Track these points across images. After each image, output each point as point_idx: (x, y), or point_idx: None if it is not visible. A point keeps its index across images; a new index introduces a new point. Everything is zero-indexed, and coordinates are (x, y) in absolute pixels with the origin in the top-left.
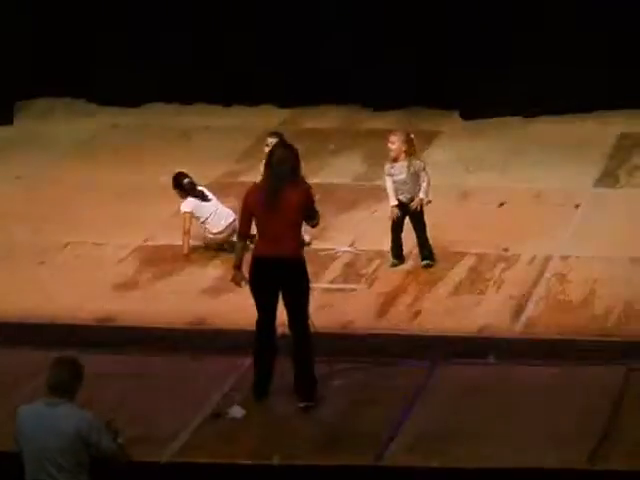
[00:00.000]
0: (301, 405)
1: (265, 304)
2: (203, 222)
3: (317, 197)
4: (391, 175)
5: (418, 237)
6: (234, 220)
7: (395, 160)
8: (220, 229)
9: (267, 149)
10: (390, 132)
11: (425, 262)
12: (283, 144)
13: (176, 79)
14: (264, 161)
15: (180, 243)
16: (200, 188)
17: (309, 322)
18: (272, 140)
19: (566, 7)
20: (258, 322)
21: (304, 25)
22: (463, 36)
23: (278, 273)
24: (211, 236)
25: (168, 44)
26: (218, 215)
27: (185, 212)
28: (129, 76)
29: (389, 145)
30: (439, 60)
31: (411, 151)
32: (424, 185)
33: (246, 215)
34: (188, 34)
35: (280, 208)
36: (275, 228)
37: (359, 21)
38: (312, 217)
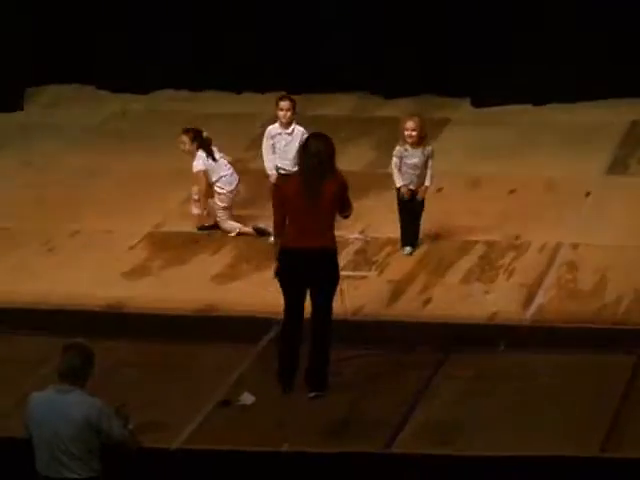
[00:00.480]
0: (311, 395)
1: (295, 295)
2: (215, 181)
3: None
4: (401, 158)
5: (415, 225)
6: (239, 182)
7: (413, 145)
8: (232, 188)
9: (281, 113)
10: (406, 118)
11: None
12: (317, 135)
13: (185, 66)
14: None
15: (189, 230)
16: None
17: (344, 305)
18: (284, 104)
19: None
20: (286, 312)
21: (315, 12)
22: (474, 23)
23: (310, 264)
24: (224, 192)
25: (178, 32)
26: (230, 175)
27: (199, 170)
28: (138, 62)
29: (408, 132)
30: (450, 47)
31: (426, 137)
32: (430, 172)
33: (280, 209)
34: (198, 22)
35: (317, 200)
36: (311, 220)
37: (370, 9)
38: (346, 209)
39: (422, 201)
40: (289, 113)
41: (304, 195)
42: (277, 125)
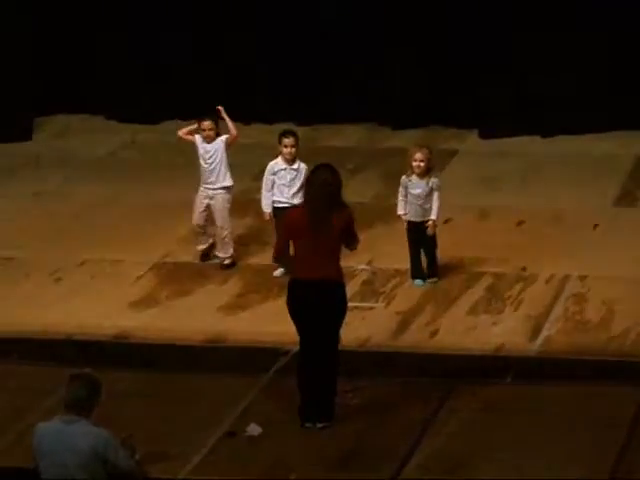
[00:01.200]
0: (319, 425)
1: (304, 326)
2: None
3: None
4: (406, 188)
5: (427, 255)
6: None
7: (419, 176)
8: None
9: (285, 150)
10: (415, 148)
11: (432, 279)
12: (325, 166)
13: (194, 97)
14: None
15: (197, 261)
16: None
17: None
18: (288, 141)
19: (591, 28)
20: (300, 344)
21: (325, 44)
22: (484, 55)
23: (316, 295)
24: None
25: (186, 62)
26: None
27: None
28: (147, 93)
29: (416, 163)
30: (458, 78)
31: (432, 168)
32: (436, 206)
33: (286, 238)
34: (205, 52)
35: (322, 232)
36: (316, 252)
37: (380, 39)
38: (352, 242)
39: (433, 235)
40: (294, 149)
41: (310, 226)
42: (280, 160)
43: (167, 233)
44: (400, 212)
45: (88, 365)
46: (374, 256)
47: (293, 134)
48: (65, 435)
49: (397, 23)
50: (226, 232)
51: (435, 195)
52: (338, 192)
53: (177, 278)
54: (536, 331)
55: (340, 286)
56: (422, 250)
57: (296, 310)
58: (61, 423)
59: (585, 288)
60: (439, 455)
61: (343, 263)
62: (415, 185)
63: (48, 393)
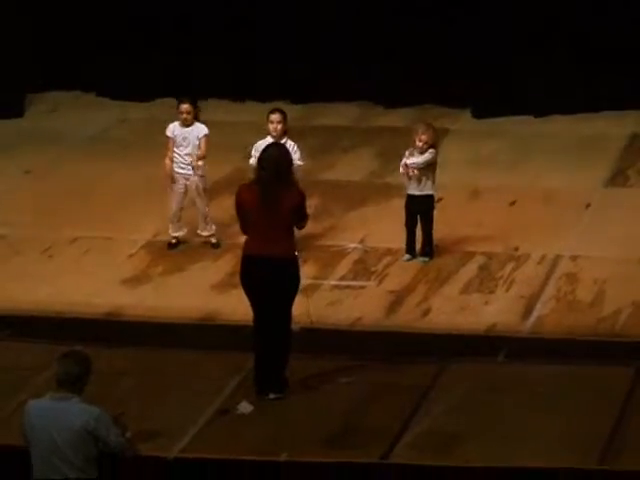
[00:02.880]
0: (272, 397)
1: (258, 302)
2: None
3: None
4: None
5: (423, 232)
6: None
7: (420, 151)
8: None
9: (271, 126)
10: (421, 127)
11: (423, 259)
12: (275, 144)
13: (188, 74)
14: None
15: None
16: None
17: (308, 313)
18: (275, 117)
19: (578, 7)
20: (254, 321)
21: (316, 22)
22: (474, 34)
23: (269, 272)
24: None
25: (180, 39)
26: None
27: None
28: (139, 70)
29: (420, 143)
30: (451, 57)
31: (435, 143)
32: (422, 159)
33: (242, 213)
34: (200, 30)
35: (274, 209)
36: (268, 228)
37: (371, 18)
38: (301, 219)
39: (429, 210)
40: (280, 126)
41: (261, 203)
42: (268, 139)
43: (159, 211)
44: (402, 169)
45: (79, 343)
46: (366, 235)
47: (280, 111)
48: (56, 412)
49: (392, 2)
50: (207, 210)
51: (426, 154)
52: (288, 170)
53: (169, 256)
54: (528, 311)
55: (291, 263)
56: (421, 228)
57: (248, 286)
58: (52, 400)
59: (577, 268)
60: (430, 434)
61: (335, 241)
62: (413, 156)
63: (39, 370)
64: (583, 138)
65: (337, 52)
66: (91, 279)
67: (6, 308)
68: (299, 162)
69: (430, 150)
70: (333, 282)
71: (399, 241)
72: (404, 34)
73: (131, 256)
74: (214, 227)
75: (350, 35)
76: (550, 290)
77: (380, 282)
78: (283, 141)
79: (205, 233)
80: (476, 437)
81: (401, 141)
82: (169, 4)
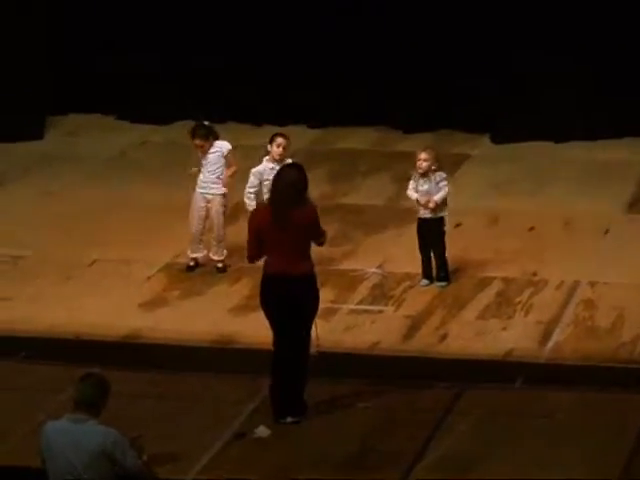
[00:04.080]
0: (289, 420)
1: (278, 322)
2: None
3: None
4: (415, 183)
5: (436, 257)
6: None
7: (422, 175)
8: None
9: (277, 150)
10: (420, 150)
11: (440, 284)
12: (291, 164)
13: (207, 98)
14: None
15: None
16: None
17: (315, 335)
18: (281, 140)
19: (600, 33)
20: (274, 340)
21: (336, 46)
22: (495, 59)
23: (289, 291)
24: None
25: (199, 64)
26: None
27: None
28: (158, 94)
29: (419, 162)
30: (470, 83)
31: (437, 167)
32: (442, 192)
33: (254, 237)
34: (220, 56)
35: (288, 228)
36: (284, 248)
37: (391, 43)
38: (318, 236)
39: (440, 235)
40: (284, 151)
41: (275, 224)
42: (269, 161)
43: (177, 234)
44: (413, 197)
45: (97, 365)
46: (384, 259)
47: (284, 135)
48: (73, 434)
49: (410, 26)
50: (222, 232)
51: (442, 184)
52: (304, 191)
53: (187, 279)
54: (546, 336)
55: (311, 281)
56: (433, 253)
57: (268, 307)
58: (70, 422)
59: (595, 294)
60: (446, 459)
61: (353, 266)
62: (422, 182)
63: (56, 392)
64: (602, 164)
65: (356, 76)
66: (109, 301)
67: (24, 330)
68: None
69: (442, 183)
70: (351, 306)
71: (417, 266)
72: (424, 59)
73: (149, 279)
74: (225, 252)
75: (369, 59)
76: (568, 316)
77: (398, 307)
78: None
79: (216, 257)
80: (493, 463)
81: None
82: (189, 29)
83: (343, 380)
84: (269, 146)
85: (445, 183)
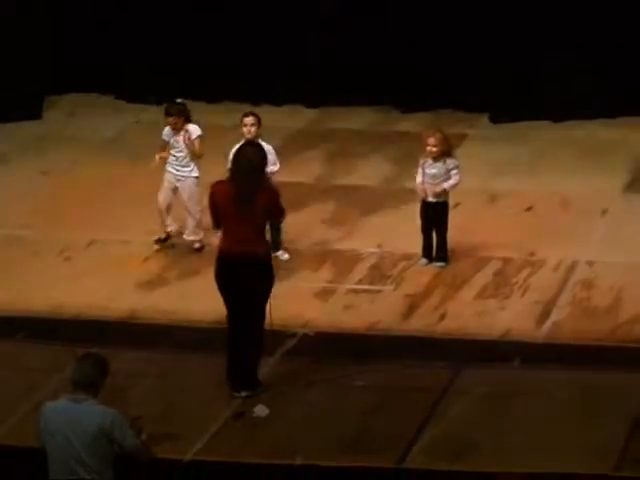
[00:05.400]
0: (242, 394)
1: (232, 301)
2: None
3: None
4: (423, 169)
5: (437, 238)
6: None
7: (434, 159)
8: None
9: (245, 129)
10: (427, 132)
11: (439, 264)
12: (250, 144)
13: (203, 78)
14: (231, 156)
15: (205, 241)
16: None
17: (269, 315)
18: (248, 119)
19: (598, 13)
20: (228, 318)
21: (333, 26)
22: (493, 39)
23: (244, 272)
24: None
25: (196, 43)
26: None
27: (200, 135)
28: (156, 73)
29: (429, 148)
30: (469, 62)
31: (448, 150)
32: (452, 180)
33: (215, 210)
34: (215, 33)
35: (247, 209)
36: (242, 229)
37: (388, 22)
38: (278, 216)
39: (444, 215)
40: (253, 129)
41: (235, 202)
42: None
43: (176, 214)
44: (418, 181)
45: (96, 345)
46: (383, 239)
47: (253, 113)
48: (72, 414)
49: (410, 6)
50: (197, 216)
51: (453, 172)
52: (263, 169)
53: (185, 259)
54: (543, 316)
55: (265, 261)
56: (435, 233)
57: (223, 284)
58: (68, 402)
59: (593, 274)
60: (444, 439)
61: (352, 245)
62: (431, 166)
63: (55, 372)
64: (601, 144)
65: (354, 56)
66: (107, 281)
67: (22, 310)
68: (274, 167)
69: (454, 171)
70: (349, 286)
71: (415, 246)
72: (421, 38)
73: (147, 259)
74: (202, 233)
75: (367, 38)
76: (566, 296)
77: (396, 287)
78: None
79: (192, 237)
80: (491, 442)
81: (418, 146)
82: (186, 8)
83: (341, 360)
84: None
85: (457, 171)
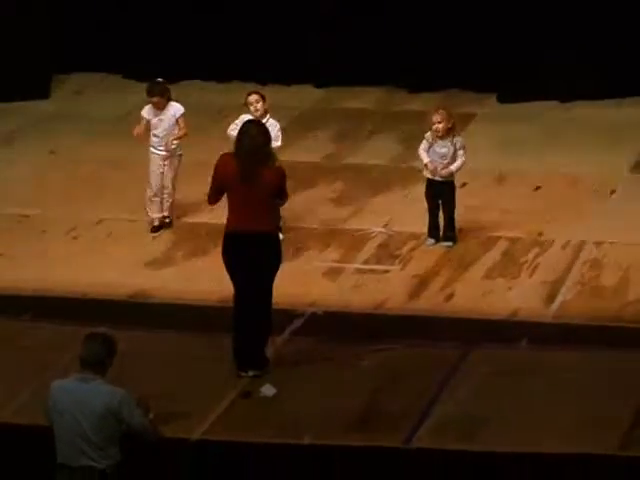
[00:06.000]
0: (250, 374)
1: (239, 279)
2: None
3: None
4: (431, 144)
5: (445, 217)
6: None
7: (440, 138)
8: None
9: (251, 108)
10: (433, 111)
11: (446, 243)
12: (254, 121)
13: (212, 57)
14: (236, 135)
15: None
16: None
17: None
18: (252, 97)
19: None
20: (235, 298)
21: (340, 4)
22: (502, 18)
23: (251, 249)
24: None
25: (204, 23)
26: None
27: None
28: (165, 52)
29: (434, 126)
30: (477, 42)
31: (454, 128)
32: (459, 162)
33: (218, 185)
34: (227, 14)
35: (254, 186)
36: (249, 205)
37: (398, 3)
38: (281, 197)
39: (451, 195)
40: (259, 105)
41: (240, 179)
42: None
43: (183, 193)
44: (425, 160)
45: (103, 324)
46: (390, 219)
47: (257, 92)
48: (80, 393)
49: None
50: (172, 193)
51: (460, 152)
52: (267, 147)
53: (193, 238)
54: (551, 296)
55: (272, 239)
56: (441, 210)
57: (230, 262)
58: (76, 381)
59: (601, 254)
60: (452, 419)
61: (358, 225)
62: (440, 145)
63: (63, 351)
64: (609, 124)
65: (361, 35)
66: (115, 261)
67: (30, 289)
68: (277, 143)
69: (461, 152)
70: (357, 266)
71: (423, 225)
72: (429, 18)
73: (155, 238)
74: (172, 209)
75: (375, 18)
76: (574, 276)
77: (404, 266)
78: (264, 120)
79: (167, 213)
80: (498, 422)
81: (425, 126)
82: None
83: (348, 339)
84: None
85: (463, 152)
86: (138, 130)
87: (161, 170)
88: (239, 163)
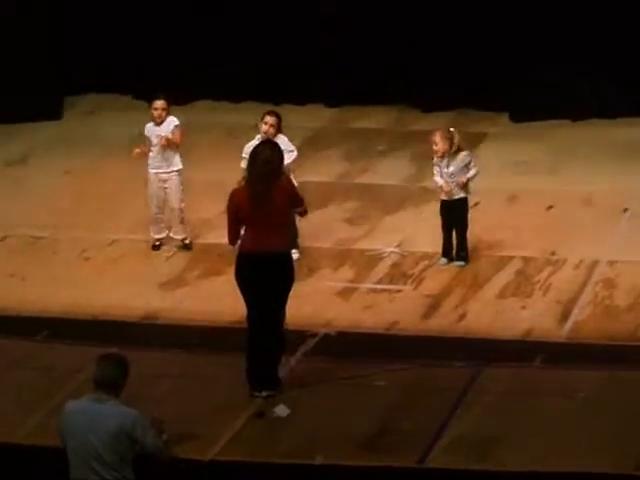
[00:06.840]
0: (264, 394)
1: (253, 300)
2: None
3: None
4: (439, 167)
5: (457, 236)
6: None
7: (443, 158)
8: None
9: (264, 127)
10: (431, 132)
11: (458, 263)
12: (268, 143)
13: (224, 77)
14: (247, 157)
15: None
16: None
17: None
18: (270, 119)
19: (617, 11)
20: (249, 318)
21: (354, 26)
22: (513, 38)
23: (263, 269)
24: None
25: (216, 43)
26: None
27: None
28: (176, 73)
29: (436, 147)
30: (489, 61)
31: (454, 146)
32: (471, 172)
33: (234, 219)
34: (237, 34)
35: (268, 207)
36: (263, 226)
37: (410, 24)
38: (297, 204)
39: (463, 214)
40: (272, 129)
41: (253, 202)
42: (259, 139)
43: (196, 214)
44: (439, 183)
45: (116, 345)
46: (403, 238)
47: (276, 114)
48: (94, 414)
49: (429, 5)
50: (182, 213)
51: (471, 165)
52: (279, 169)
53: (206, 259)
54: (565, 316)
55: (286, 258)
56: (455, 232)
57: (243, 283)
58: (90, 402)
59: (614, 273)
60: (466, 438)
61: (371, 245)
62: (445, 164)
63: (76, 372)
64: (621, 142)
65: (374, 55)
66: (128, 282)
67: (43, 310)
68: (293, 154)
69: (471, 164)
70: (369, 286)
71: (436, 245)
72: (442, 38)
73: (168, 258)
74: (187, 229)
75: (388, 38)
76: (587, 295)
77: (416, 286)
78: (275, 138)
79: (179, 236)
80: (512, 442)
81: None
82: (205, 9)
83: (361, 359)
84: (260, 123)
85: (473, 164)
86: (143, 148)
87: (161, 187)
88: (252, 185)
